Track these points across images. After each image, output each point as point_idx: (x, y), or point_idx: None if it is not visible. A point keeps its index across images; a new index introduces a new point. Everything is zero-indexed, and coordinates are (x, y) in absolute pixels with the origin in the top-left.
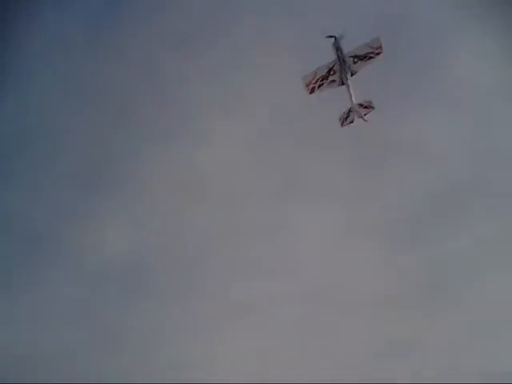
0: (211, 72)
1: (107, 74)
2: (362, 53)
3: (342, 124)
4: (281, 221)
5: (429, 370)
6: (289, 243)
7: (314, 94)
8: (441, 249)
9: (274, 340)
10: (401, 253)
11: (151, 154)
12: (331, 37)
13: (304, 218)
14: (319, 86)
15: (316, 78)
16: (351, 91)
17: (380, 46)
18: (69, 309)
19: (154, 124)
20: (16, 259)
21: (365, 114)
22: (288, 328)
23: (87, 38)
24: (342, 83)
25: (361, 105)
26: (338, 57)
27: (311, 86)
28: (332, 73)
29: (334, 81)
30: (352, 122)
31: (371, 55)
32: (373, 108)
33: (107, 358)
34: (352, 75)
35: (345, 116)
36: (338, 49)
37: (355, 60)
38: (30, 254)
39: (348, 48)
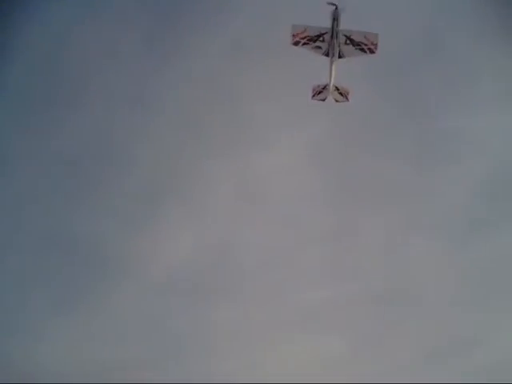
0: (275, 88)
1: (174, 87)
2: (356, 38)
3: (312, 96)
4: (341, 224)
5: (494, 369)
6: (350, 246)
7: (296, 48)
8: (506, 244)
9: (338, 343)
10: (465, 249)
11: (217, 164)
12: (332, 4)
13: (364, 220)
14: (304, 44)
15: (304, 35)
16: (333, 69)
17: (375, 44)
18: (138, 322)
19: (220, 136)
20: (82, 277)
21: (337, 101)
22: (352, 331)
23: (148, 51)
24: (327, 55)
25: (337, 89)
26: (333, 28)
27: (297, 39)
28: (321, 39)
29: (319, 47)
30: (323, 100)
31: (364, 48)
32: (347, 100)
33: (177, 368)
34: (340, 57)
35: (319, 90)
36: (335, 19)
37: (347, 41)
38: (95, 271)
39: (346, 27)
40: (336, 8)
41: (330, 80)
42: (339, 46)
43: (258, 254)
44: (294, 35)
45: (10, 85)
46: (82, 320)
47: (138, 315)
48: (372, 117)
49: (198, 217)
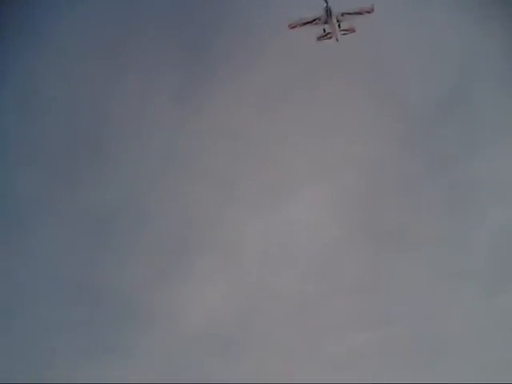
0: (302, 142)
1: (200, 139)
2: (351, 12)
3: (318, 39)
4: (368, 274)
5: None
6: (376, 296)
7: (294, 30)
8: None
9: None
10: (494, 297)
11: (244, 217)
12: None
13: (391, 270)
14: (301, 26)
15: (301, 23)
16: (335, 25)
17: (372, 9)
18: (166, 372)
19: (248, 188)
20: (110, 327)
21: (344, 34)
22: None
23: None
24: (326, 22)
25: (342, 30)
26: (327, 13)
27: (293, 26)
28: (317, 21)
29: (317, 23)
30: (330, 38)
31: (361, 13)
32: (354, 30)
33: None
34: (338, 21)
35: (323, 34)
36: (328, 11)
37: (343, 14)
38: (123, 321)
39: (339, 8)
40: (327, 4)
41: (335, 28)
42: (336, 19)
43: (285, 305)
44: (289, 25)
45: (33, 140)
46: (111, 370)
47: (166, 366)
48: (396, 169)
49: (226, 267)
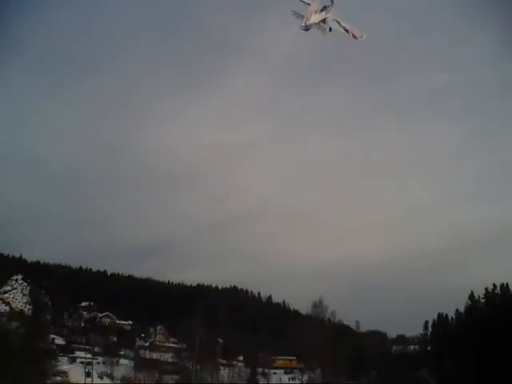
0: None
1: None
2: (344, 27)
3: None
4: None
5: None
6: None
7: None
8: None
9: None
10: None
11: None
12: None
13: None
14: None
15: None
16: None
17: (361, 36)
18: (254, 101)
19: None
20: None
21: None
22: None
23: None
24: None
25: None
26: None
27: None
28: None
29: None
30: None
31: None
32: None
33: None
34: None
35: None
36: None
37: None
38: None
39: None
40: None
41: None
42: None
43: None
44: None
45: None
46: (194, 103)
47: (252, 94)
48: None
49: None
